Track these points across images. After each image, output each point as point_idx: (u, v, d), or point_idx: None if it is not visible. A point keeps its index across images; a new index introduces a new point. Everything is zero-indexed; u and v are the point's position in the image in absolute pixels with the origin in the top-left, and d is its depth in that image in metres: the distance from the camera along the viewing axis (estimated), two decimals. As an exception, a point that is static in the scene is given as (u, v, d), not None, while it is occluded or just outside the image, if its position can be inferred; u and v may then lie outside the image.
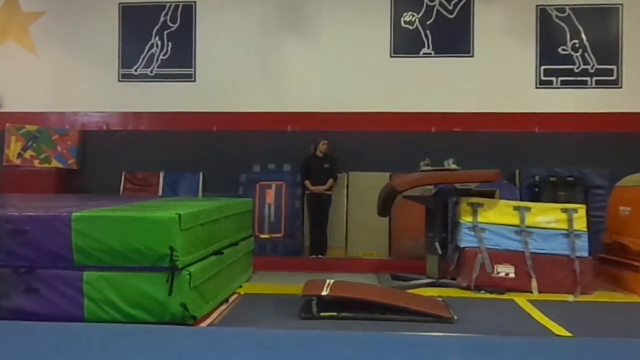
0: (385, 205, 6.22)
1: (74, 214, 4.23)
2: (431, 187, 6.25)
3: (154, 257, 4.13)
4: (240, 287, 5.57)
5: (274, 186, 7.84)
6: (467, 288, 5.54)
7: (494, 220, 5.68)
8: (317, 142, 7.65)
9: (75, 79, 8.40)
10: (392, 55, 8.13)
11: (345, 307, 4.48)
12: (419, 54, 8.11)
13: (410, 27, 8.13)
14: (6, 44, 8.51)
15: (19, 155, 8.18)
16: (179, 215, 4.16)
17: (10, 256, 4.23)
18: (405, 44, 8.13)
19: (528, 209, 5.71)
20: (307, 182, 7.61)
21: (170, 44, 8.36)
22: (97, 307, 4.18)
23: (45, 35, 8.46)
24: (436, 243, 5.99)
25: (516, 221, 5.63)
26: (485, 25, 8.03)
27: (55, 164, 8.23)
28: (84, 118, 8.49)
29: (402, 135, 7.90)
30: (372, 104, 7.99)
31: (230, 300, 5.10)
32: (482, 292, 5.46)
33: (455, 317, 4.43)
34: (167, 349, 3.47)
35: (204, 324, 4.33)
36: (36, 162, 8.19)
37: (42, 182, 7.85)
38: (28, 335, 3.68)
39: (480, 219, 5.67)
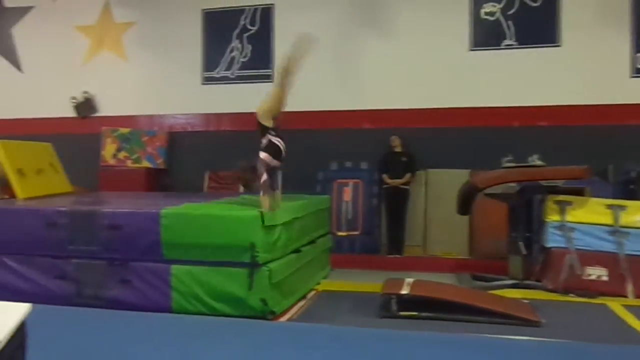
0: (465, 203, 6.05)
1: (162, 210, 4.48)
2: (514, 184, 6.00)
3: (236, 254, 4.29)
4: (318, 284, 5.63)
5: (351, 184, 7.87)
6: (554, 290, 5.27)
7: (585, 219, 5.37)
8: (390, 139, 7.62)
9: (162, 83, 8.88)
10: (472, 48, 7.88)
11: (426, 307, 4.41)
12: (500, 46, 7.79)
13: (491, 18, 7.83)
14: (102, 53, 9.15)
15: (114, 156, 8.79)
16: (261, 214, 4.30)
17: (106, 249, 4.55)
18: (485, 36, 7.84)
19: (623, 207, 5.34)
20: (385, 176, 7.58)
21: (250, 46, 8.61)
22: (184, 300, 4.40)
23: (136, 43, 9.00)
24: (520, 243, 5.75)
25: (609, 220, 5.29)
26: (574, 12, 7.56)
27: (145, 163, 8.75)
28: (170, 120, 8.96)
29: (483, 130, 7.63)
30: (452, 99, 7.78)
31: (308, 296, 5.17)
32: (571, 295, 5.17)
33: (542, 320, 4.23)
34: (246, 341, 3.59)
35: (283, 318, 4.42)
36: (129, 162, 8.76)
37: (134, 181, 8.38)
38: (122, 324, 3.95)
39: (568, 218, 5.38)
